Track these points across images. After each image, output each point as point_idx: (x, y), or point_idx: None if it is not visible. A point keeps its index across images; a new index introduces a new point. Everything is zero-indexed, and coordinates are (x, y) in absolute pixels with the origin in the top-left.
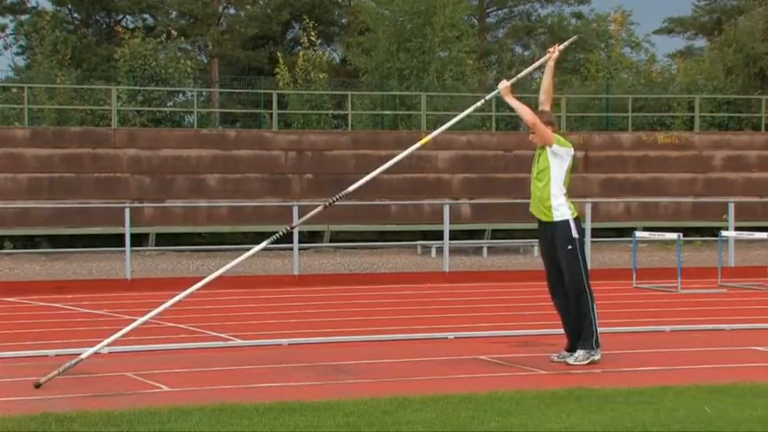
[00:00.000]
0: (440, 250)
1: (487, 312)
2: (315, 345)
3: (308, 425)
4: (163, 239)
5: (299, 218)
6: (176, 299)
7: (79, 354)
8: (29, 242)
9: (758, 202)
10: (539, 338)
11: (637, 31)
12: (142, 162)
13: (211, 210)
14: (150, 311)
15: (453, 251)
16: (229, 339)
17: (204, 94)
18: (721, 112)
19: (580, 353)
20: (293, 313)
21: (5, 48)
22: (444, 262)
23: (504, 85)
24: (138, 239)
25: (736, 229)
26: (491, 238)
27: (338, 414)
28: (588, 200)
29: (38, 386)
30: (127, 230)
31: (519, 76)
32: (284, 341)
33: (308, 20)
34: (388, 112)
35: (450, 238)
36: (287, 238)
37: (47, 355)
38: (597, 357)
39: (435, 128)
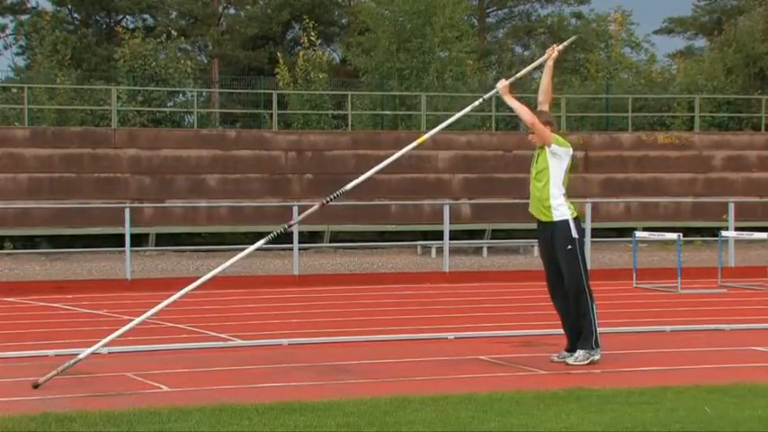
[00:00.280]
0: (440, 250)
1: (488, 312)
2: (315, 345)
3: (309, 425)
4: (163, 239)
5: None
6: (172, 299)
7: (78, 354)
8: (29, 242)
9: (758, 202)
10: (539, 338)
11: (637, 31)
12: (142, 162)
13: (211, 210)
14: (150, 311)
15: (453, 251)
16: (229, 339)
17: (204, 94)
18: (721, 112)
19: (580, 353)
20: (293, 313)
21: (5, 48)
22: (444, 262)
23: (502, 84)
24: (138, 239)
25: (736, 229)
26: (491, 238)
27: (338, 414)
28: (588, 200)
29: (36, 386)
30: (127, 230)
31: (517, 75)
32: (284, 341)
33: (307, 20)
34: (388, 113)
35: (451, 239)
36: (287, 238)
37: (47, 356)
38: (597, 357)
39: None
